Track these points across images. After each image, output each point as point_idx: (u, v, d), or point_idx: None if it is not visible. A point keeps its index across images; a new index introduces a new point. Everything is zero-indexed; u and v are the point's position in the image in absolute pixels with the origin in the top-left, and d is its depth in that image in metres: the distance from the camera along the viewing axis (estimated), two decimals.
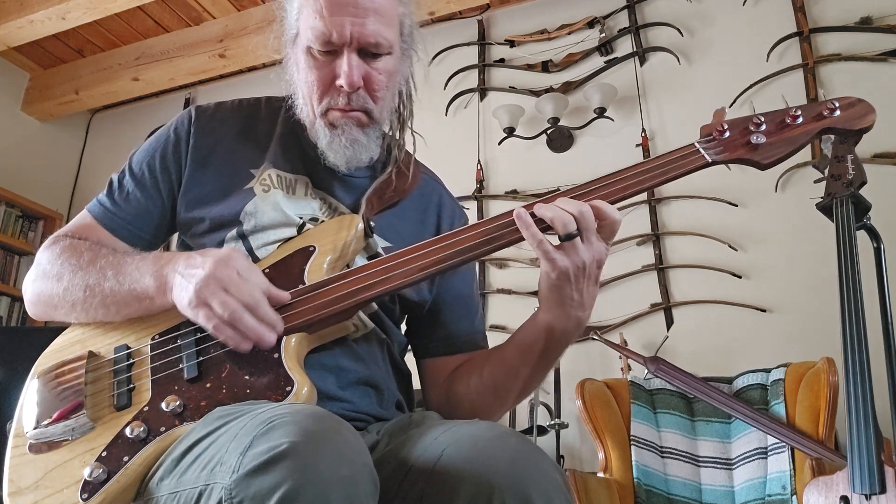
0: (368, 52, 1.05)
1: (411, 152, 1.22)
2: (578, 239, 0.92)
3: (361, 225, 1.06)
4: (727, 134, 1.03)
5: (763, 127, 1.02)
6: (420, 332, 1.19)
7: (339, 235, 1.04)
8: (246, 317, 0.90)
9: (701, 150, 1.01)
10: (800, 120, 1.02)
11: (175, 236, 1.18)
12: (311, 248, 1.03)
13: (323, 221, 1.09)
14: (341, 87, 1.05)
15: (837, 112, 1.02)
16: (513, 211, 0.96)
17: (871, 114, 1.02)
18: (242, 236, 1.07)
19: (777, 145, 1.01)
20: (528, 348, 1.04)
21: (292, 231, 1.08)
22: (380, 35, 1.04)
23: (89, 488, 0.87)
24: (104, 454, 0.89)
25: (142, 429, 0.90)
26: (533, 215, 0.94)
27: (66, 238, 1.11)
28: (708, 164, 1.01)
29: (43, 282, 1.06)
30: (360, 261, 1.08)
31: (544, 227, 0.94)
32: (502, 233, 0.97)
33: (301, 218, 1.09)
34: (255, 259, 1.05)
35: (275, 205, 1.08)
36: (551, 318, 0.99)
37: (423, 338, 1.19)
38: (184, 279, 0.93)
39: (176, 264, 0.96)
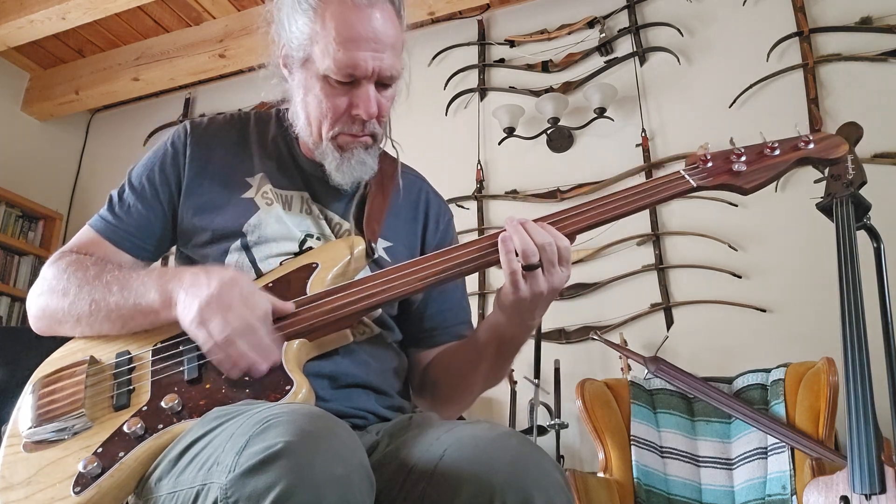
0: (383, 84, 1.10)
1: (394, 156, 1.26)
2: (540, 270, 0.96)
3: (363, 246, 1.10)
4: (710, 164, 1.10)
5: (744, 157, 1.10)
6: (408, 324, 1.21)
7: (342, 255, 1.08)
8: (238, 343, 0.92)
9: (686, 176, 1.09)
10: (777, 152, 1.10)
11: (173, 251, 1.20)
12: (314, 265, 1.07)
13: (328, 241, 1.13)
14: (357, 115, 1.09)
15: (812, 145, 1.12)
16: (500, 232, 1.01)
17: (842, 145, 1.13)
18: (246, 248, 1.11)
19: (759, 171, 1.09)
20: (483, 347, 1.10)
21: (294, 244, 1.12)
22: (394, 68, 1.10)
23: (83, 481, 0.87)
24: (100, 450, 0.90)
25: (139, 425, 0.90)
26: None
27: (71, 253, 1.13)
28: (693, 189, 1.08)
29: (49, 297, 1.08)
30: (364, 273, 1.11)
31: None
32: (494, 249, 1.01)
33: (302, 232, 1.13)
34: (259, 271, 1.09)
35: (278, 218, 1.13)
36: (502, 324, 1.05)
37: (410, 330, 1.22)
38: (188, 297, 0.95)
39: (181, 281, 0.98)
